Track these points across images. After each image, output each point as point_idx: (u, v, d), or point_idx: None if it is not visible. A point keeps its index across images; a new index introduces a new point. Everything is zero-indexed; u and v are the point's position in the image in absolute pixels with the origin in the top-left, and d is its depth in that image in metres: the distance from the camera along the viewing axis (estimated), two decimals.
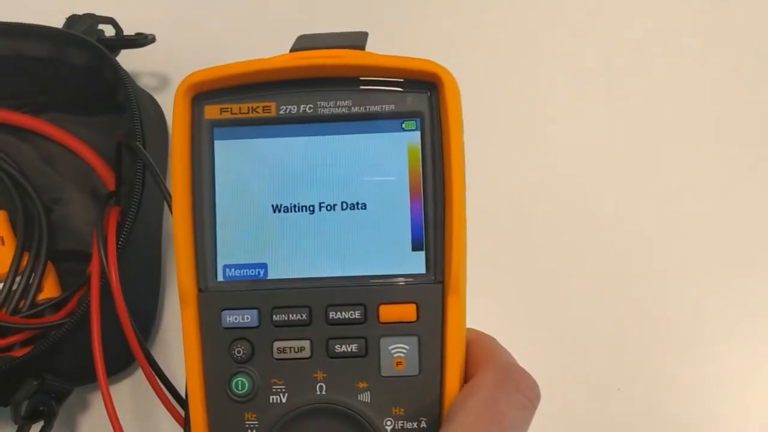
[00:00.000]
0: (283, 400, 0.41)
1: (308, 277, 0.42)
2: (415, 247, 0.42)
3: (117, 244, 0.56)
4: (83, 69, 0.64)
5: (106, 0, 0.69)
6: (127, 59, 0.67)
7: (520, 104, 0.70)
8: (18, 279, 0.63)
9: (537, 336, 0.63)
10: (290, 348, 0.41)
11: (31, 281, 0.63)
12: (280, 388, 0.41)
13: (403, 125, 0.43)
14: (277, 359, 0.41)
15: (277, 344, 0.42)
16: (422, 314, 0.41)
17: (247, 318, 0.42)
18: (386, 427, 0.41)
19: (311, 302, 0.42)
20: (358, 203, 0.42)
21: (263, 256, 0.43)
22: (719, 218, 0.66)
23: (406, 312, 0.41)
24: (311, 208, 0.43)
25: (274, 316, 0.42)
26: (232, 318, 0.42)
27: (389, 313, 0.41)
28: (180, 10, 0.76)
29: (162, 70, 0.73)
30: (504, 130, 0.69)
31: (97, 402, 0.63)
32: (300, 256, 0.43)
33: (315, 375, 0.41)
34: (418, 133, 0.42)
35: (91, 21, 0.67)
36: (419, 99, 0.42)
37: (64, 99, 0.69)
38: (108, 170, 0.66)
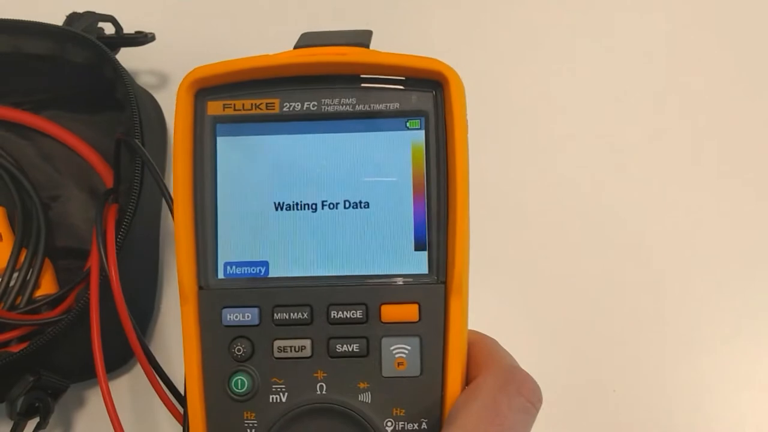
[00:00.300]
0: (283, 400, 0.41)
1: (310, 276, 0.42)
2: (418, 247, 0.42)
3: (116, 241, 0.55)
4: (83, 67, 0.64)
5: None
6: (127, 57, 0.67)
7: (522, 104, 0.70)
8: (15, 275, 0.62)
9: (533, 337, 0.63)
10: (291, 347, 0.41)
11: (28, 277, 0.62)
12: (280, 388, 0.41)
13: (408, 124, 0.42)
14: (277, 358, 0.41)
15: (277, 343, 0.41)
16: (424, 315, 0.41)
17: (248, 316, 0.41)
18: (387, 428, 0.41)
19: (312, 301, 0.41)
20: (360, 202, 0.42)
21: (264, 254, 0.42)
22: (719, 220, 0.66)
23: (408, 312, 0.41)
24: (314, 207, 0.42)
25: (274, 314, 0.41)
26: (232, 316, 0.42)
27: (391, 313, 0.41)
28: (179, 8, 0.76)
29: (161, 69, 0.73)
30: (506, 131, 0.69)
31: (92, 399, 0.63)
32: (302, 254, 0.42)
33: (315, 374, 0.41)
34: (422, 132, 0.42)
35: (91, 19, 0.67)
36: (424, 98, 0.42)
37: (64, 96, 0.68)
38: (107, 168, 0.65)
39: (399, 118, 0.43)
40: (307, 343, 0.41)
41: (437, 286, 0.41)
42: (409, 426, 0.41)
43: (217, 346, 0.41)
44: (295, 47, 0.43)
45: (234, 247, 0.42)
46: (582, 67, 0.71)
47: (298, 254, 0.42)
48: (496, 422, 0.37)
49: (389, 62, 0.42)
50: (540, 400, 0.39)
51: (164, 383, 0.54)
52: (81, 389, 0.62)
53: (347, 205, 0.42)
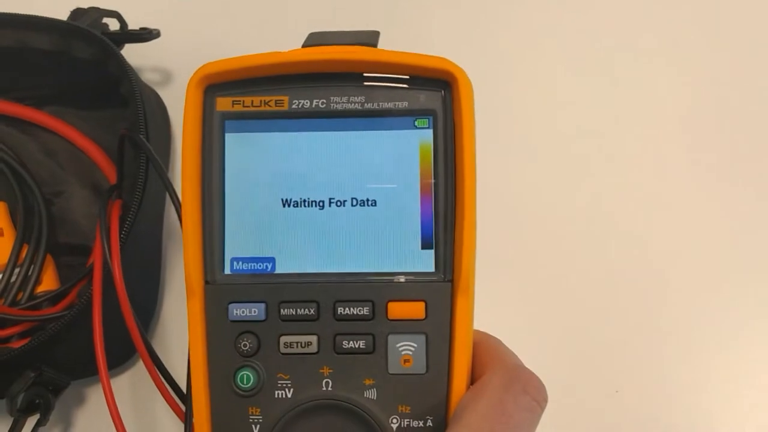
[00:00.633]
0: (289, 395, 0.41)
1: (316, 273, 0.42)
2: (425, 245, 0.42)
3: (119, 237, 0.55)
4: (88, 62, 0.64)
5: None
6: (130, 54, 0.67)
7: (522, 104, 0.70)
8: (17, 270, 0.62)
9: (536, 338, 0.63)
10: (297, 343, 0.41)
11: (30, 273, 0.62)
12: (286, 383, 0.41)
13: (416, 123, 0.43)
14: (283, 354, 0.41)
15: (283, 339, 0.41)
16: (431, 312, 0.41)
17: (254, 311, 0.42)
18: (392, 425, 0.41)
19: (319, 297, 0.41)
20: (368, 200, 0.42)
21: (271, 250, 0.43)
22: (720, 221, 0.66)
23: (415, 310, 0.41)
24: (321, 204, 0.42)
25: (281, 310, 0.41)
26: (239, 311, 0.42)
27: (398, 310, 0.41)
28: (184, 5, 0.76)
29: (164, 66, 0.73)
30: (507, 131, 0.69)
31: (92, 396, 0.63)
32: (308, 251, 0.42)
33: (321, 371, 0.41)
34: (430, 131, 0.42)
35: (95, 14, 0.67)
36: (433, 97, 0.42)
37: (68, 92, 0.68)
38: (110, 164, 0.65)
39: (407, 116, 0.43)
40: (314, 339, 0.41)
41: (444, 284, 0.41)
42: (415, 423, 0.41)
43: (223, 340, 0.42)
44: (304, 46, 0.44)
45: (241, 243, 0.43)
46: (583, 67, 0.72)
47: (305, 251, 0.42)
48: (502, 421, 0.38)
49: (399, 61, 0.42)
50: (545, 399, 0.40)
51: (166, 380, 0.54)
52: (82, 386, 0.62)
53: (354, 202, 0.42)
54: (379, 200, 0.42)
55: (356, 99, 0.43)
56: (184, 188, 0.42)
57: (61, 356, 0.58)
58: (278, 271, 0.42)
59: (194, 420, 0.42)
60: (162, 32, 0.69)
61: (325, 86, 0.43)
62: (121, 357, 0.62)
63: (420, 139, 0.42)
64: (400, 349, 0.41)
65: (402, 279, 0.42)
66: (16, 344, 0.58)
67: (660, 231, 0.66)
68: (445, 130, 0.42)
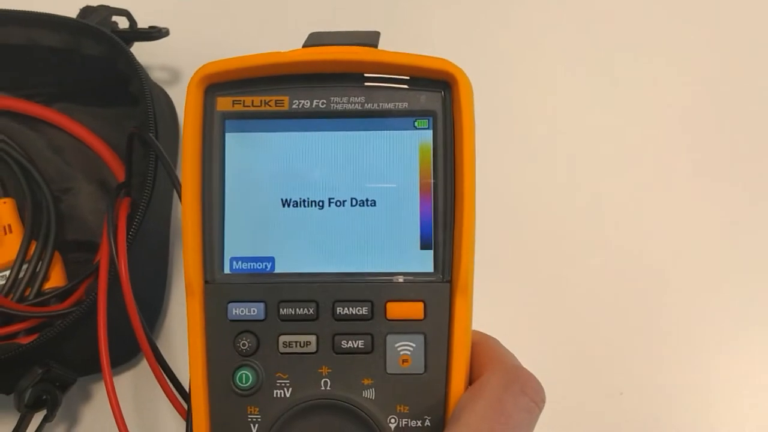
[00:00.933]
0: (287, 395, 0.41)
1: (315, 272, 0.42)
2: (424, 245, 0.42)
3: (127, 235, 0.56)
4: (97, 60, 0.64)
5: None
6: (139, 52, 0.67)
7: (522, 105, 0.70)
8: (25, 267, 0.63)
9: (539, 339, 0.63)
10: (296, 342, 0.41)
11: (38, 270, 0.63)
12: (285, 383, 0.41)
13: (416, 123, 0.43)
14: (282, 353, 0.41)
15: (282, 338, 0.42)
16: (429, 313, 0.41)
17: (254, 311, 0.42)
18: (390, 425, 0.41)
19: (318, 297, 0.42)
20: (367, 200, 0.42)
21: (271, 250, 0.43)
22: (720, 221, 0.66)
23: (414, 310, 0.41)
24: (320, 204, 0.43)
25: (280, 309, 0.42)
26: (238, 310, 0.42)
27: (396, 310, 0.41)
28: (193, 4, 0.76)
29: (173, 64, 0.73)
30: (507, 131, 0.69)
31: (99, 392, 0.63)
32: (308, 251, 0.43)
33: (320, 370, 0.41)
34: (430, 132, 0.43)
35: (105, 12, 0.67)
36: (433, 98, 0.43)
37: (76, 89, 0.69)
38: (118, 162, 0.66)
39: (407, 117, 0.43)
40: (313, 338, 0.41)
41: (443, 284, 0.41)
42: (413, 423, 0.41)
43: (223, 340, 0.42)
44: (304, 46, 0.44)
45: (241, 243, 0.43)
46: (582, 67, 0.71)
47: (305, 250, 0.43)
48: (500, 421, 0.38)
49: (399, 62, 0.42)
50: (543, 400, 0.40)
51: (170, 380, 0.54)
52: (88, 382, 0.63)
53: (354, 202, 0.42)
54: (379, 200, 0.42)
55: (356, 99, 0.43)
56: (185, 187, 0.42)
57: (69, 353, 0.58)
58: (277, 270, 0.43)
59: (193, 418, 0.42)
60: (171, 31, 0.69)
61: (325, 86, 0.43)
62: (127, 354, 0.63)
63: (420, 139, 0.42)
64: (399, 349, 0.41)
65: (401, 279, 0.42)
66: (25, 340, 0.59)
67: (660, 231, 0.66)
68: (444, 130, 0.42)
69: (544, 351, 0.62)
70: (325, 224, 0.42)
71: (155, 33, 0.68)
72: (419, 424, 0.41)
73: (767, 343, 0.63)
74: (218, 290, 0.42)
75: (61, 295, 0.61)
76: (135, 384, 0.63)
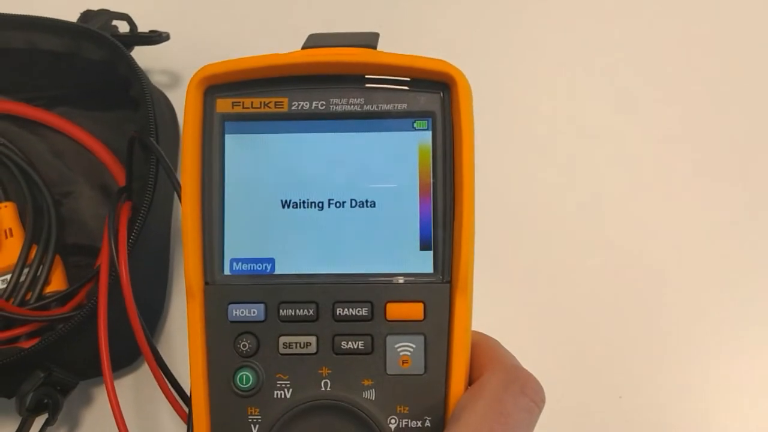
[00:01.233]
0: (287, 396, 0.41)
1: (315, 273, 0.42)
2: (424, 246, 0.42)
3: (128, 239, 0.56)
4: (97, 64, 0.64)
5: None
6: (139, 56, 0.67)
7: (523, 105, 0.70)
8: (26, 271, 0.63)
9: (538, 342, 0.63)
10: (296, 343, 0.42)
11: (38, 274, 0.63)
12: (285, 383, 0.41)
13: (415, 125, 0.43)
14: (282, 354, 0.42)
15: (282, 339, 0.42)
16: (429, 313, 0.41)
17: (254, 312, 0.42)
18: (390, 425, 0.41)
19: (318, 298, 0.42)
20: (367, 201, 0.43)
21: (271, 251, 0.43)
22: (721, 222, 0.66)
23: (413, 311, 0.41)
24: (320, 205, 0.43)
25: (280, 311, 0.42)
26: (238, 312, 0.42)
27: (396, 311, 0.41)
28: (193, 8, 0.76)
29: (174, 68, 0.73)
30: (509, 132, 0.69)
31: (99, 396, 0.63)
32: (308, 252, 0.43)
33: (320, 371, 0.41)
34: (429, 133, 0.43)
35: (105, 16, 0.67)
36: (432, 99, 0.43)
37: (77, 93, 0.69)
38: (118, 166, 0.66)
39: (406, 118, 0.43)
40: (313, 339, 0.41)
41: (442, 285, 0.42)
42: (413, 423, 0.41)
43: (223, 341, 0.42)
44: (303, 47, 0.44)
45: (240, 244, 0.43)
46: (582, 68, 0.72)
47: (304, 252, 0.43)
48: (500, 421, 0.38)
49: (397, 63, 0.42)
50: (543, 400, 0.40)
51: (170, 383, 0.54)
52: (89, 386, 0.63)
53: (353, 203, 0.43)
54: (378, 201, 0.42)
55: (356, 101, 0.43)
56: (185, 189, 0.42)
57: (70, 356, 0.58)
58: (277, 271, 0.43)
59: (194, 419, 0.42)
60: (171, 35, 0.69)
61: (324, 88, 0.43)
62: (128, 358, 0.63)
63: (419, 140, 0.43)
64: (399, 349, 0.41)
65: (401, 280, 0.42)
66: (26, 344, 0.59)
67: (660, 231, 0.66)
68: (444, 131, 0.42)
69: (543, 351, 0.62)
70: (325, 225, 0.42)
71: (156, 37, 0.68)
72: (419, 424, 0.41)
73: (767, 344, 0.63)
74: (218, 291, 0.42)
75: (62, 299, 0.61)
76: (135, 387, 0.63)
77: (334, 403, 0.41)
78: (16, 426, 0.56)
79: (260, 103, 0.43)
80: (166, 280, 0.66)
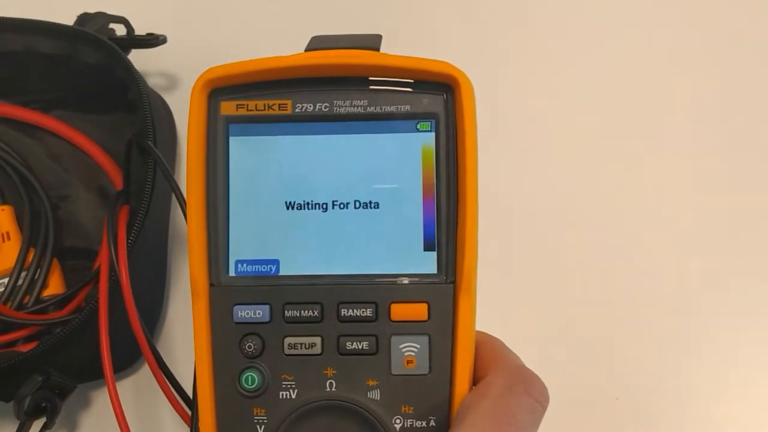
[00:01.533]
0: (293, 396, 0.42)
1: (320, 274, 0.42)
2: (427, 247, 0.42)
3: (127, 242, 0.56)
4: (94, 67, 0.64)
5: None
6: (136, 59, 0.67)
7: (523, 106, 0.71)
8: (23, 274, 0.62)
9: (535, 343, 0.62)
10: (301, 344, 0.42)
11: (36, 277, 0.63)
12: (290, 384, 0.42)
13: (418, 126, 0.43)
14: (287, 355, 0.42)
15: (288, 340, 0.42)
16: (433, 314, 0.41)
17: (259, 313, 0.42)
18: (395, 425, 0.41)
19: (323, 299, 0.42)
20: (370, 202, 0.43)
21: (275, 253, 0.43)
22: (721, 222, 0.67)
23: (418, 311, 0.41)
24: (324, 206, 0.43)
25: (285, 312, 0.42)
26: (243, 313, 0.42)
27: (401, 311, 0.42)
28: (190, 11, 0.76)
29: (171, 71, 0.73)
30: (512, 134, 0.69)
31: (97, 399, 0.63)
32: (312, 253, 0.43)
33: (325, 371, 0.41)
34: (432, 134, 0.43)
35: (102, 20, 0.67)
36: (435, 100, 0.43)
37: (74, 96, 0.69)
38: (116, 169, 0.66)
39: (410, 120, 0.43)
40: (317, 340, 0.42)
41: (446, 285, 0.42)
42: (418, 423, 0.41)
43: (228, 342, 0.42)
44: (306, 50, 0.44)
45: (245, 246, 0.43)
46: (584, 68, 0.72)
47: (309, 253, 0.43)
48: (504, 421, 0.38)
49: (401, 65, 0.42)
50: (547, 400, 0.40)
51: (172, 384, 0.54)
52: (87, 389, 0.63)
53: (357, 205, 0.43)
54: (382, 202, 0.43)
55: (359, 103, 0.43)
56: (189, 192, 0.42)
57: (68, 360, 0.58)
58: (282, 273, 0.43)
59: (200, 420, 0.42)
60: (168, 38, 0.69)
61: (328, 90, 0.43)
62: (127, 361, 0.63)
63: (422, 142, 0.43)
64: (403, 350, 0.41)
65: (405, 281, 0.42)
66: (24, 348, 0.59)
67: (663, 233, 0.66)
68: (447, 133, 0.43)
69: (547, 351, 0.62)
70: (329, 226, 0.43)
71: (153, 40, 0.68)
72: (424, 424, 0.41)
73: (767, 344, 0.63)
74: (223, 293, 0.42)
75: (60, 302, 0.61)
76: (135, 389, 0.62)
77: (339, 404, 0.41)
78: (14, 430, 0.56)
79: (264, 105, 0.43)
80: (165, 282, 0.66)
